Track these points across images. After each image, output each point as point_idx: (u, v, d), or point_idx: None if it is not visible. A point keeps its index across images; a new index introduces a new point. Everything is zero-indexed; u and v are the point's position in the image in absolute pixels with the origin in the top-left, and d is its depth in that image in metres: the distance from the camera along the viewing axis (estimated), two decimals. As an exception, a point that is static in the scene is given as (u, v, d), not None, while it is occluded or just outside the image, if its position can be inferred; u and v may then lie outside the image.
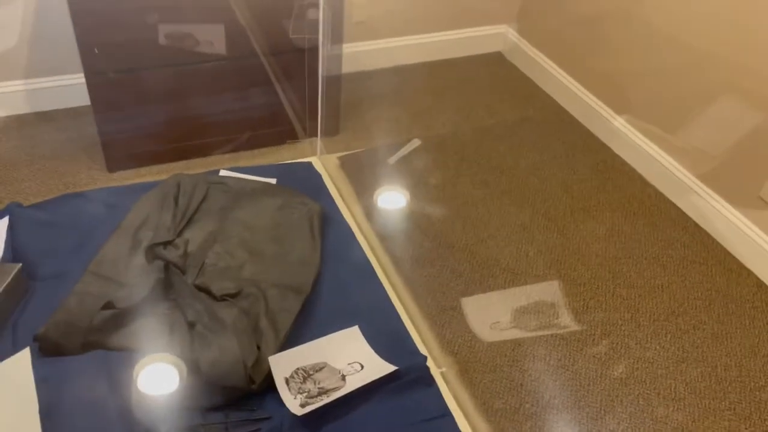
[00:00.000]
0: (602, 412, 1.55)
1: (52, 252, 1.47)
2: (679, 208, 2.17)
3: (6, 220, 1.51)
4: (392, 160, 2.25)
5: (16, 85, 2.24)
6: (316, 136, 2.21)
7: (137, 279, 1.39)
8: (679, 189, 2.17)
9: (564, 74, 2.62)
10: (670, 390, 1.62)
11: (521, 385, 1.59)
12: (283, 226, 1.58)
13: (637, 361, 1.68)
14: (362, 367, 1.29)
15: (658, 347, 1.72)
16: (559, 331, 1.74)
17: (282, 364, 1.25)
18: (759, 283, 1.93)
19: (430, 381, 1.31)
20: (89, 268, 1.41)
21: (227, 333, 1.27)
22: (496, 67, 2.89)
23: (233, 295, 1.38)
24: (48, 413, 1.15)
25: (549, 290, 1.86)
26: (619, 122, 2.38)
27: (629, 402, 1.58)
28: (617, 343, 1.72)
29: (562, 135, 2.49)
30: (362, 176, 2.03)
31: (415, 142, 2.35)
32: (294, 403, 1.19)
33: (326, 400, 1.20)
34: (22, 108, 2.29)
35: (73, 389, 1.19)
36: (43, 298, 1.36)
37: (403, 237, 1.96)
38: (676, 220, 2.13)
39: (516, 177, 2.26)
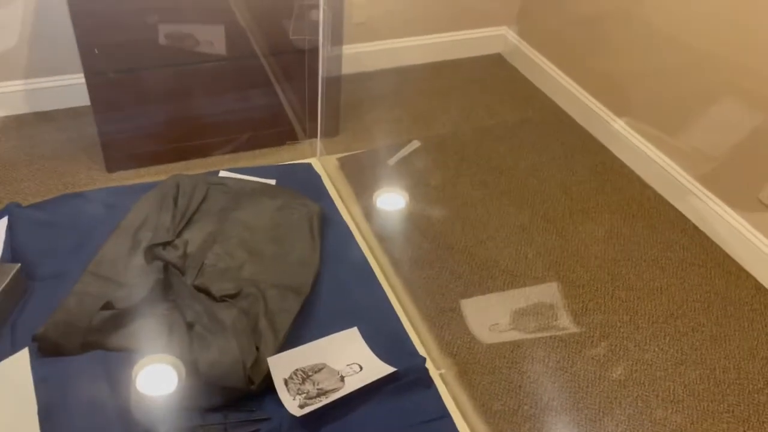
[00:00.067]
0: (601, 413, 1.55)
1: (51, 252, 1.46)
2: (678, 211, 2.17)
3: (5, 220, 1.51)
4: (392, 161, 2.25)
5: (16, 85, 2.24)
6: (316, 137, 2.21)
7: (136, 279, 1.39)
8: (678, 191, 2.18)
9: (563, 76, 2.63)
10: (669, 392, 1.62)
11: (520, 386, 1.59)
12: (283, 226, 1.58)
13: (636, 363, 1.68)
14: (361, 368, 1.29)
15: (656, 349, 1.72)
16: (557, 333, 1.74)
17: (281, 365, 1.25)
18: (758, 285, 1.93)
19: (429, 382, 1.31)
20: (88, 268, 1.41)
21: (226, 334, 1.27)
22: (495, 68, 2.89)
23: (232, 296, 1.38)
24: (47, 413, 1.14)
25: (548, 292, 1.86)
26: (619, 124, 2.38)
27: (628, 404, 1.58)
28: (616, 345, 1.72)
29: (561, 136, 2.49)
30: (362, 177, 2.03)
31: (415, 144, 2.35)
32: (293, 404, 1.19)
33: (325, 401, 1.20)
34: (21, 108, 2.29)
35: (72, 389, 1.19)
36: (42, 298, 1.35)
37: (402, 238, 1.96)
38: (675, 223, 2.13)
39: (515, 178, 2.26)
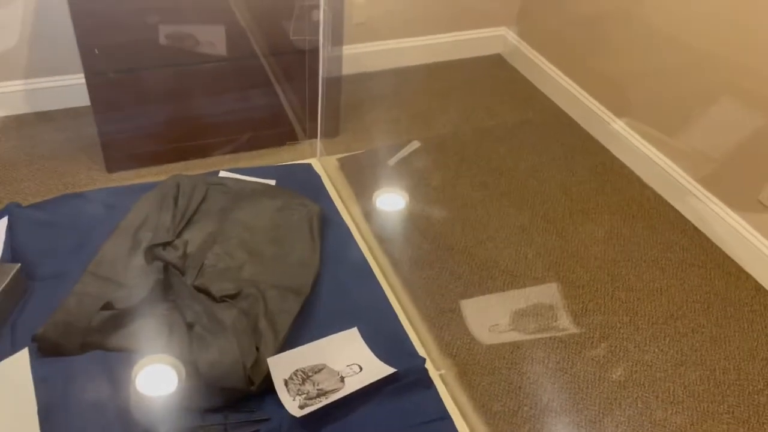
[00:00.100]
0: (601, 415, 1.55)
1: (51, 252, 1.46)
2: (677, 211, 2.17)
3: (5, 220, 1.51)
4: (392, 161, 2.25)
5: (16, 85, 2.24)
6: (316, 137, 2.21)
7: (136, 280, 1.39)
8: (678, 192, 2.18)
9: (563, 76, 2.63)
10: (669, 393, 1.62)
11: (520, 387, 1.59)
12: (283, 227, 1.58)
13: (636, 364, 1.68)
14: (361, 368, 1.29)
15: (656, 350, 1.72)
16: (557, 334, 1.74)
17: (281, 366, 1.25)
18: (757, 286, 1.94)
19: (429, 383, 1.31)
20: (88, 268, 1.41)
21: (226, 334, 1.27)
22: (495, 69, 2.89)
23: (232, 296, 1.38)
24: (46, 413, 1.14)
25: (548, 293, 1.86)
26: (619, 125, 2.38)
27: (628, 405, 1.58)
28: (616, 346, 1.72)
29: (561, 137, 2.50)
30: (362, 178, 2.03)
31: (415, 144, 2.35)
32: (293, 405, 1.19)
33: (325, 401, 1.20)
34: (21, 108, 2.29)
35: (72, 390, 1.19)
36: (42, 298, 1.35)
37: (402, 239, 1.96)
38: (674, 223, 2.13)
39: (515, 179, 2.26)
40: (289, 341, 1.32)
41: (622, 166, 2.36)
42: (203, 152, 2.19)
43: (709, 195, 2.08)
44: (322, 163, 1.91)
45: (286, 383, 1.23)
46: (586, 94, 2.52)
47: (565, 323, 1.77)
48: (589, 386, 1.61)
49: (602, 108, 2.45)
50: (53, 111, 2.32)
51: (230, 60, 2.03)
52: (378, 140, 2.41)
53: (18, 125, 2.25)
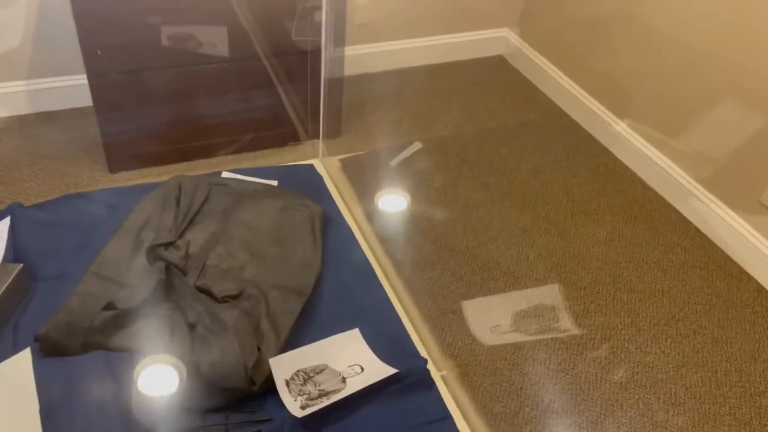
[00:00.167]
0: (602, 416, 1.55)
1: (54, 252, 1.47)
2: (679, 213, 2.17)
3: (7, 220, 1.51)
4: (393, 162, 2.25)
5: (19, 86, 2.25)
6: (318, 138, 2.21)
7: (138, 280, 1.39)
8: (679, 193, 2.18)
9: (565, 78, 2.63)
10: (671, 395, 1.62)
11: (521, 388, 1.59)
12: (285, 228, 1.58)
13: (638, 366, 1.68)
14: (363, 369, 1.30)
15: (658, 352, 1.72)
16: (559, 335, 1.74)
17: (283, 366, 1.25)
18: (759, 288, 1.93)
19: (431, 384, 1.31)
20: (91, 268, 1.41)
21: (228, 334, 1.27)
22: (497, 70, 2.89)
23: (234, 297, 1.38)
24: (48, 413, 1.15)
25: (549, 294, 1.86)
26: (620, 126, 2.38)
27: (629, 406, 1.58)
28: (617, 348, 1.72)
29: (563, 138, 2.50)
30: (364, 178, 2.04)
31: (417, 145, 2.35)
32: (294, 405, 1.19)
33: (326, 402, 1.20)
34: (24, 108, 2.29)
35: (74, 390, 1.19)
36: (44, 298, 1.36)
37: (403, 239, 1.96)
38: (676, 225, 2.13)
39: (517, 180, 2.26)
40: (291, 342, 1.32)
41: (624, 167, 2.36)
42: (205, 153, 2.19)
43: (711, 197, 2.08)
44: (324, 163, 1.92)
45: (287, 383, 1.23)
46: (588, 96, 2.52)
47: (567, 324, 1.77)
48: (591, 387, 1.61)
49: (604, 109, 2.45)
50: (56, 111, 2.32)
51: (232, 61, 2.04)
52: (380, 141, 2.41)
53: (20, 125, 2.26)
